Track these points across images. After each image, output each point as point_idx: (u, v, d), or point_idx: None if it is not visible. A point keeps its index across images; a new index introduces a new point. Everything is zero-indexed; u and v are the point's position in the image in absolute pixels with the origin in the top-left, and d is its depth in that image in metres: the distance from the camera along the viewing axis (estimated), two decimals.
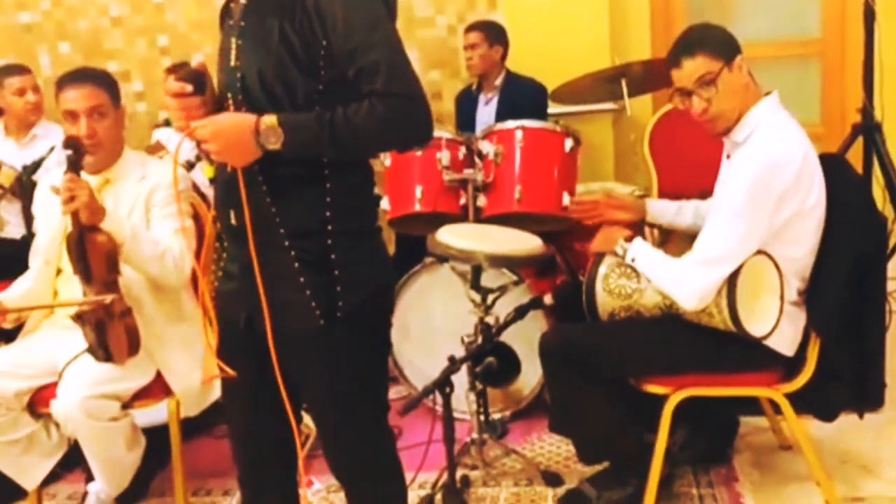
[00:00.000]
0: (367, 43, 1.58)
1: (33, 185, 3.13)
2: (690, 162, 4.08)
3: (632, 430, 2.56)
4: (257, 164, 1.65)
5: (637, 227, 2.72)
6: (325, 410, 1.82)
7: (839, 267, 2.38)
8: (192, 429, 3.01)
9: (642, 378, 2.48)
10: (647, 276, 2.39)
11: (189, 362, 2.63)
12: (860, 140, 3.85)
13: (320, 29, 1.59)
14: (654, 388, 2.47)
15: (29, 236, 3.12)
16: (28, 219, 3.18)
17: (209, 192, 3.17)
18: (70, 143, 2.37)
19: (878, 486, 2.64)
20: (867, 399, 2.93)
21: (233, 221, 1.72)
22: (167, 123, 3.66)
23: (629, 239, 2.47)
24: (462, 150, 3.20)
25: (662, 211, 2.74)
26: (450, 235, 2.67)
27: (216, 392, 2.74)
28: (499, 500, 2.74)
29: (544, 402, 3.13)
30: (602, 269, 2.51)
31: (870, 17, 3.67)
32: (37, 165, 3.28)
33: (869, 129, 3.82)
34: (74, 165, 2.34)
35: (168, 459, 2.81)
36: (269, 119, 1.60)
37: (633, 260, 2.42)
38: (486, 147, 3.16)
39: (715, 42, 2.34)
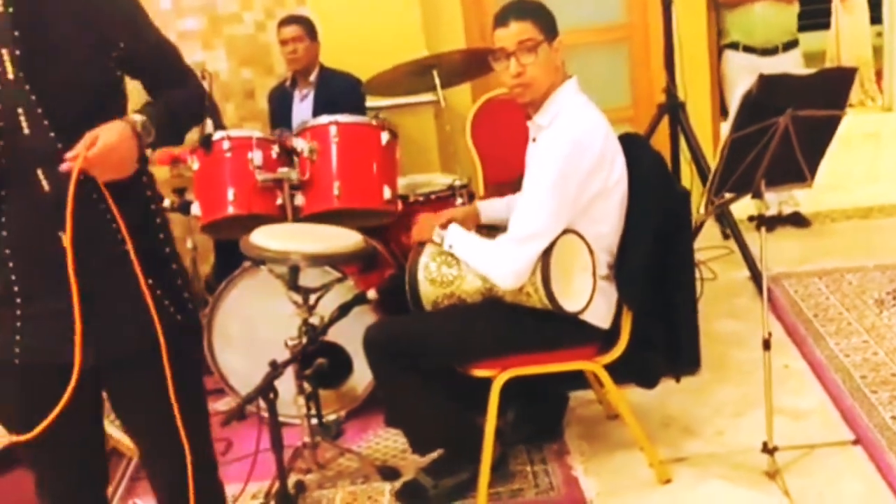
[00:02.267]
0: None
1: None
2: (512, 149, 4.14)
3: (462, 415, 2.58)
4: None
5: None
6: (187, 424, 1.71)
7: (642, 240, 2.48)
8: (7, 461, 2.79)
9: (468, 363, 2.50)
10: (465, 260, 2.40)
11: None
12: (667, 119, 4.06)
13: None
14: (480, 372, 2.49)
15: None
16: None
17: None
18: None
19: (698, 445, 2.78)
20: (683, 364, 3.09)
21: (62, 244, 1.55)
22: None
23: (444, 226, 2.47)
24: (275, 149, 3.11)
25: (494, 210, 2.75)
26: (264, 237, 2.59)
27: None
28: (335, 501, 2.69)
29: (379, 399, 3.10)
30: (423, 259, 2.51)
31: (667, 1, 3.85)
32: None
33: (674, 108, 4.03)
34: None
35: None
36: (139, 117, 1.60)
37: (450, 246, 2.43)
38: (301, 144, 3.09)
39: (544, 17, 2.39)
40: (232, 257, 3.32)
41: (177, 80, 1.77)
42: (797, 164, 2.37)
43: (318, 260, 2.58)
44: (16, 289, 1.59)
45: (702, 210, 2.35)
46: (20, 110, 1.52)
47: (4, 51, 1.52)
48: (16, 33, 1.52)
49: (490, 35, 2.44)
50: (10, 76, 1.52)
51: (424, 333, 2.45)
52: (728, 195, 2.39)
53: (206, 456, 1.83)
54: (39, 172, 1.54)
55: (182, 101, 1.74)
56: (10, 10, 1.52)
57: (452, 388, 2.55)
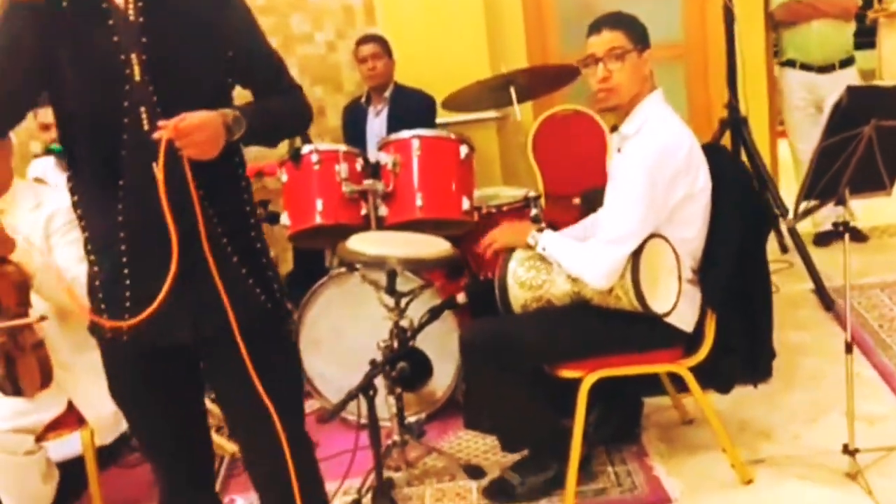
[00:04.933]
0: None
1: None
2: (571, 163, 4.29)
3: (549, 415, 2.67)
4: (193, 169, 1.66)
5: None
6: (276, 400, 1.80)
7: (728, 246, 2.57)
8: (102, 460, 2.92)
9: (557, 364, 2.60)
10: (558, 262, 2.51)
11: (100, 390, 2.53)
12: (728, 135, 4.15)
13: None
14: (568, 373, 2.59)
15: None
16: None
17: None
18: None
19: (775, 448, 2.85)
20: (759, 371, 3.16)
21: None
22: (48, 152, 3.52)
23: (540, 230, 2.59)
24: (359, 162, 3.24)
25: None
26: (360, 243, 2.71)
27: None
28: (425, 498, 2.79)
29: (458, 402, 3.20)
30: (512, 265, 2.62)
31: (730, 18, 3.96)
32: None
33: (736, 123, 4.12)
34: None
35: (81, 492, 2.73)
36: (230, 111, 1.70)
37: (543, 248, 2.54)
38: (384, 157, 3.22)
39: (636, 28, 2.52)
40: (311, 266, 3.46)
41: (283, 90, 1.88)
42: (878, 173, 2.45)
43: (412, 264, 2.70)
44: (126, 271, 1.72)
45: (790, 216, 2.43)
46: (142, 108, 1.67)
47: (133, 56, 1.66)
48: (144, 40, 1.67)
49: (550, 54, 2.55)
50: (137, 78, 1.67)
51: (516, 334, 2.56)
52: (813, 202, 2.47)
53: (302, 435, 1.92)
54: (154, 166, 1.65)
55: (283, 107, 1.84)
56: (141, 19, 1.67)
57: (543, 390, 2.64)
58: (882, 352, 3.37)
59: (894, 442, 2.72)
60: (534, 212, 3.38)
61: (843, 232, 2.54)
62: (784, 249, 4.50)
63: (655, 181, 2.41)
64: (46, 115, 3.49)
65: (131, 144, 1.68)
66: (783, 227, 4.38)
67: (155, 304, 1.66)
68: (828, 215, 4.56)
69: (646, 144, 2.44)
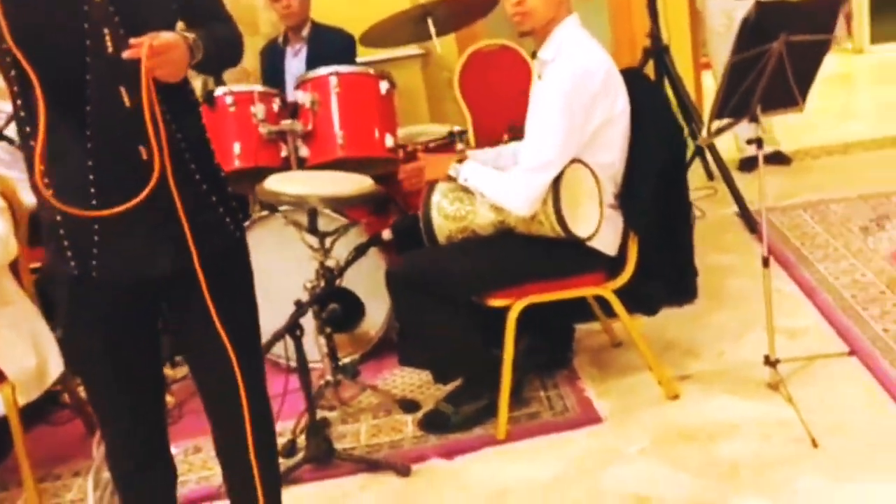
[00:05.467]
0: None
1: None
2: (499, 99, 4.25)
3: (479, 344, 2.69)
4: (159, 93, 1.62)
5: None
6: (240, 333, 1.80)
7: (648, 169, 2.59)
8: (28, 419, 2.86)
9: (484, 293, 2.60)
10: (481, 192, 2.50)
11: (20, 346, 2.50)
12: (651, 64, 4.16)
13: None
14: (496, 302, 2.60)
15: None
16: None
17: (6, 171, 2.99)
18: None
19: (700, 365, 2.92)
20: (683, 292, 3.22)
21: (144, 157, 1.64)
22: None
23: (460, 161, 2.57)
24: (276, 102, 3.18)
25: (483, 161, 2.83)
26: (280, 182, 2.66)
27: (53, 374, 2.63)
28: (360, 434, 2.80)
29: (392, 341, 3.21)
30: (436, 197, 2.60)
31: None
32: None
33: (658, 53, 4.13)
34: None
35: (7, 452, 2.68)
36: (191, 34, 1.67)
37: (465, 179, 2.53)
38: (301, 97, 3.16)
39: None
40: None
41: (223, 20, 1.84)
42: (790, 89, 2.49)
43: (334, 202, 2.67)
44: (94, 202, 1.65)
45: (704, 135, 2.45)
46: (106, 30, 1.61)
47: None
48: None
49: None
50: None
51: (442, 265, 2.55)
52: (727, 120, 2.50)
53: (259, 369, 1.94)
54: (122, 90, 1.61)
55: (226, 35, 1.81)
56: None
57: (472, 320, 2.65)
58: (804, 268, 3.46)
59: (814, 352, 2.81)
60: (459, 147, 3.36)
61: (758, 145, 2.56)
62: (710, 176, 4.57)
63: (573, 106, 2.40)
64: None
65: (96, 68, 1.62)
66: (708, 155, 4.43)
67: (143, 194, 1.61)
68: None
69: (562, 70, 2.44)
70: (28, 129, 1.66)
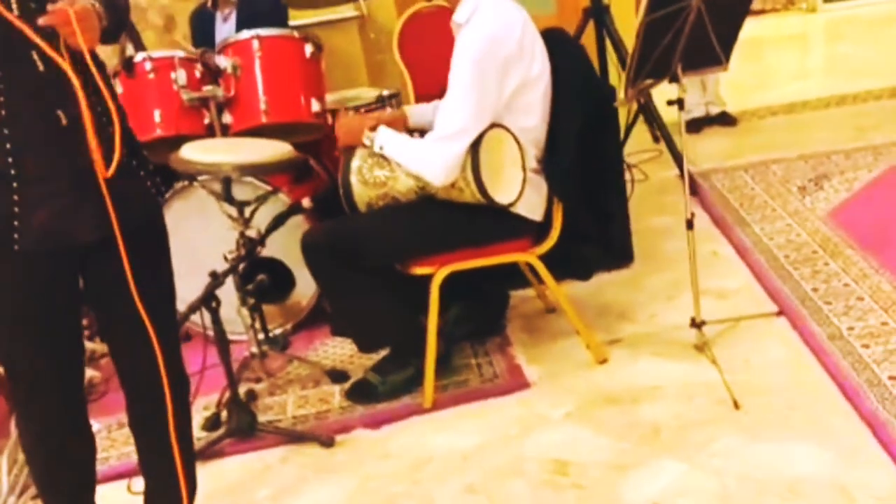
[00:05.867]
0: None
1: None
2: (440, 62, 4.17)
3: (404, 313, 2.65)
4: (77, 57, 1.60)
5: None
6: (159, 304, 1.82)
7: (569, 132, 2.54)
8: None
9: (407, 261, 2.56)
10: (396, 160, 2.44)
11: None
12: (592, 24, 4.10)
13: None
14: (419, 270, 2.56)
15: None
16: None
17: None
18: None
19: (632, 328, 2.91)
20: (616, 257, 3.20)
21: (63, 122, 1.64)
22: None
23: (374, 129, 2.50)
24: (198, 68, 3.09)
25: (422, 114, 2.78)
26: (193, 151, 2.59)
27: None
28: (287, 406, 2.76)
29: (324, 311, 3.16)
30: (355, 163, 2.54)
31: None
32: None
33: (599, 12, 4.07)
34: None
35: None
36: (95, 1, 1.64)
37: (380, 147, 2.47)
38: (223, 61, 3.07)
39: None
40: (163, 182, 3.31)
41: None
42: (713, 48, 2.44)
43: (248, 169, 2.60)
44: (13, 171, 1.63)
45: (622, 96, 2.41)
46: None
47: None
48: None
49: None
50: None
51: (361, 232, 2.51)
52: (647, 81, 2.45)
53: (176, 341, 1.96)
54: (34, 54, 1.59)
55: (116, 2, 1.74)
56: None
57: (397, 289, 2.61)
58: (740, 229, 3.44)
59: (744, 314, 2.80)
60: (388, 111, 3.29)
61: (679, 108, 2.52)
62: (656, 139, 4.54)
63: (486, 72, 2.34)
64: None
65: (3, 34, 1.57)
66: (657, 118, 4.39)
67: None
68: (697, 102, 4.63)
69: (473, 35, 2.38)
70: None
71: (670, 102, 2.51)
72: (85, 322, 2.07)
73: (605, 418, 2.44)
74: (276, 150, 2.68)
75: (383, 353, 2.74)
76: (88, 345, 2.93)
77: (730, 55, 2.54)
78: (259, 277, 2.86)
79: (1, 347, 1.84)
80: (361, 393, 2.70)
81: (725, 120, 4.74)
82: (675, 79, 2.46)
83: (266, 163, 2.60)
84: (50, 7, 1.55)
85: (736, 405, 2.36)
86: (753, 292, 2.98)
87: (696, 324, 2.63)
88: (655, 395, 2.50)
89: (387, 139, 2.47)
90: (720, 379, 2.45)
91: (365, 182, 2.52)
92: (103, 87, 1.67)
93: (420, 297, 2.60)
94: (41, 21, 1.54)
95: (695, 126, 4.64)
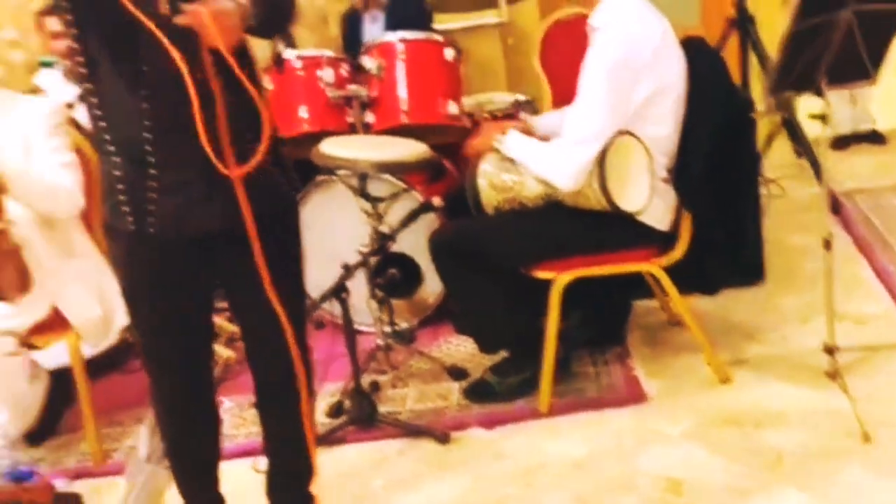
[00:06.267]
0: None
1: None
2: (579, 69, 4.17)
3: (525, 316, 2.67)
4: (213, 55, 1.64)
5: None
6: (287, 293, 1.83)
7: (701, 141, 2.50)
8: (103, 367, 3.03)
9: (530, 265, 2.59)
10: (525, 164, 2.48)
11: (86, 297, 2.63)
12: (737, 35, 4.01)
13: None
14: (541, 274, 2.58)
15: None
16: None
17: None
18: None
19: (760, 349, 2.83)
20: (747, 273, 3.11)
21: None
22: (42, 65, 3.55)
23: (505, 132, 2.55)
24: (344, 67, 3.22)
25: (547, 124, 2.80)
26: (333, 146, 2.70)
27: (118, 326, 2.76)
28: (407, 399, 2.84)
29: (450, 308, 3.22)
30: (484, 166, 2.59)
31: None
32: None
33: (744, 23, 3.97)
34: None
35: (76, 397, 2.83)
36: (245, 0, 1.65)
37: (510, 151, 2.51)
38: (368, 62, 3.19)
39: None
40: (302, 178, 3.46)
41: None
42: (861, 61, 2.35)
43: (385, 167, 2.69)
44: (151, 159, 1.71)
45: (761, 108, 2.35)
46: None
47: None
48: None
49: None
50: None
51: (486, 235, 2.55)
52: (790, 92, 2.38)
53: (303, 329, 1.98)
54: (176, 51, 1.62)
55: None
56: None
57: (519, 292, 2.64)
58: (883, 253, 3.28)
59: (882, 342, 2.68)
60: (522, 116, 3.31)
61: (822, 121, 2.42)
62: (798, 154, 4.37)
63: (619, 79, 2.34)
64: (54, 23, 3.53)
65: (148, 28, 1.62)
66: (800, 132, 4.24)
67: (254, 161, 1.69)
68: (845, 117, 4.42)
69: (608, 40, 2.38)
70: (89, 85, 1.73)
71: (813, 116, 2.43)
72: (226, 304, 2.18)
73: (725, 440, 2.38)
74: (413, 149, 2.76)
75: (504, 354, 2.78)
76: (228, 326, 3.10)
77: (879, 69, 2.43)
78: (390, 272, 2.96)
79: (137, 325, 1.95)
80: (479, 392, 2.74)
81: (875, 138, 4.52)
82: (819, 92, 2.37)
83: (402, 161, 2.69)
84: (187, 7, 1.58)
85: (866, 438, 2.26)
86: (893, 320, 2.84)
87: (829, 349, 2.53)
88: (780, 420, 2.42)
89: (516, 143, 2.51)
90: (851, 409, 2.35)
91: (493, 186, 2.56)
92: (246, 83, 1.69)
93: (542, 300, 2.62)
94: (178, 20, 1.58)
95: (841, 143, 4.45)
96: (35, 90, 3.42)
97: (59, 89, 3.47)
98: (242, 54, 1.73)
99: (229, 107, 1.68)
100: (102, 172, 1.82)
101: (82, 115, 3.19)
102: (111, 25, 1.66)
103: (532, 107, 3.47)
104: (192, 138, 1.65)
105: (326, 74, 3.14)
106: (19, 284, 2.39)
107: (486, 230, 2.57)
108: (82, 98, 1.78)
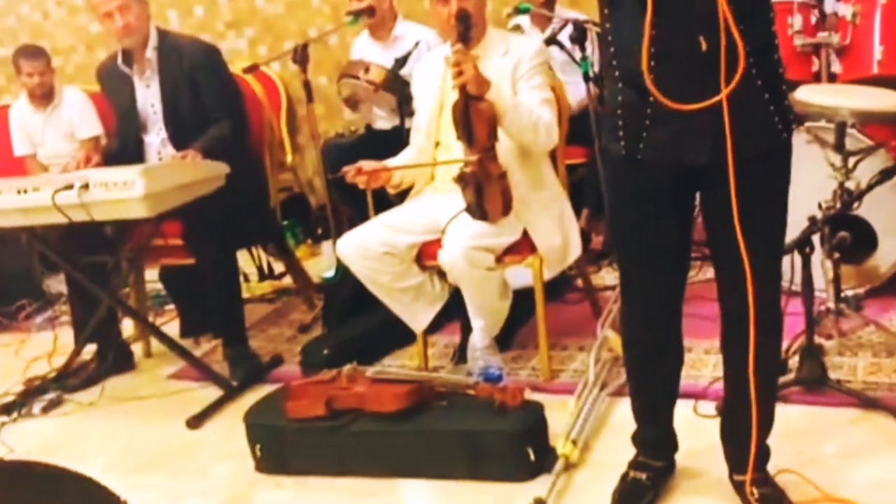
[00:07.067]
0: None
1: (402, 78, 3.48)
2: None
3: None
4: None
5: None
6: (764, 236, 1.85)
7: None
8: (547, 294, 3.25)
9: None
10: None
11: (550, 226, 2.85)
12: None
13: None
14: None
15: (400, 127, 3.45)
16: (401, 109, 3.47)
17: (560, 74, 3.32)
18: (461, 15, 2.59)
19: None
20: None
21: (703, 48, 1.71)
22: (517, 10, 3.72)
23: None
24: (815, 14, 3.07)
25: None
26: (810, 93, 2.60)
27: (573, 256, 2.95)
28: (857, 369, 2.68)
29: None
30: None
31: None
32: (404, 60, 3.54)
33: None
34: (463, 37, 2.57)
35: (528, 318, 3.08)
36: None
37: None
38: (842, 8, 3.02)
39: None
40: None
41: None
42: None
43: (867, 116, 2.53)
44: (653, 88, 1.74)
45: None
46: None
47: None
48: None
49: None
50: None
51: None
52: None
53: (777, 275, 1.95)
54: None
55: None
56: None
57: None
58: None
59: None
60: None
61: None
62: None
63: None
64: None
65: None
66: None
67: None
68: None
69: None
70: (608, 19, 1.84)
71: None
72: None
73: None
74: (892, 100, 2.56)
75: None
76: None
77: None
78: (841, 234, 2.79)
79: (618, 246, 2.05)
80: None
81: None
82: None
83: (887, 112, 2.51)
84: None
85: None
86: None
87: None
88: None
89: None
90: None
91: None
92: (752, 19, 1.69)
93: None
94: None
95: None
96: (517, 28, 3.72)
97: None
98: None
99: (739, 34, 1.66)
100: (607, 99, 1.93)
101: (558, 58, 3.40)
102: None
103: None
104: (690, 70, 1.69)
105: (796, 21, 3.03)
106: (503, 207, 2.65)
107: None
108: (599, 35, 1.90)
